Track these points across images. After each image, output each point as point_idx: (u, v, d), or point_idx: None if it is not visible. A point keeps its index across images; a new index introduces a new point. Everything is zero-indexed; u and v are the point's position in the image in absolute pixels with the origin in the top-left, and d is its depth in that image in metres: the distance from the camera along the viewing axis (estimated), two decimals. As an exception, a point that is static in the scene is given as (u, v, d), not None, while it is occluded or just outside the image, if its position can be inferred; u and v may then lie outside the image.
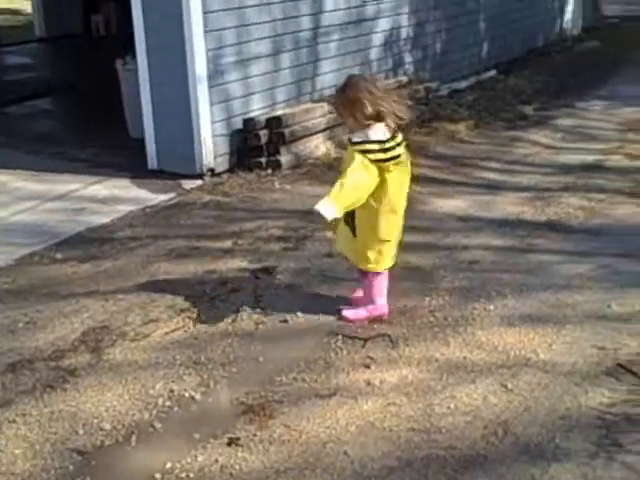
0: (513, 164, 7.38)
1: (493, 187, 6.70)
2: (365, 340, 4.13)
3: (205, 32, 6.63)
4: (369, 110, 3.96)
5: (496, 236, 5.57)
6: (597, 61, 12.62)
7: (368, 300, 4.38)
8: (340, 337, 4.17)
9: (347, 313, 4.39)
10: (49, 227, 5.94)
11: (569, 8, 14.81)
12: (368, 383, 3.74)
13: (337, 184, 3.91)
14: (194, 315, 4.46)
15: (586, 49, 13.76)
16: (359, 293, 4.49)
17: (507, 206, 6.21)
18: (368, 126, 3.99)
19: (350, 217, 4.17)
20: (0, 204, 6.41)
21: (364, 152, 3.96)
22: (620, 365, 3.81)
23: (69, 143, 8.28)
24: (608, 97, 10.13)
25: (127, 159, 7.56)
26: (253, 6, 7.12)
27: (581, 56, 13.13)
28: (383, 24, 9.08)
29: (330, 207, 3.88)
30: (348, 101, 4.04)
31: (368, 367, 3.89)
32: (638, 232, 5.60)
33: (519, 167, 7.28)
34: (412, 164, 4.27)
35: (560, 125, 8.80)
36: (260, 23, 7.24)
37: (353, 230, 4.21)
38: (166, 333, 4.27)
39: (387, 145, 3.99)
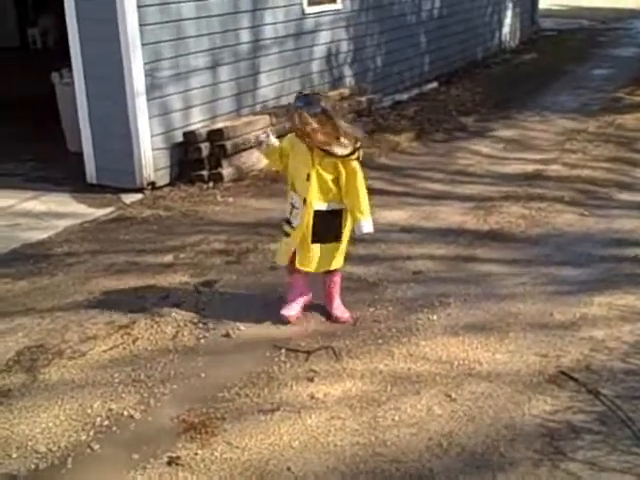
0: (455, 174, 7.42)
1: (436, 197, 6.73)
2: (308, 353, 4.08)
3: (142, 45, 6.54)
4: (340, 124, 4.10)
5: (439, 246, 5.57)
6: (535, 73, 12.83)
7: (335, 296, 4.48)
8: (283, 350, 4.11)
9: (341, 315, 4.45)
10: (-18, 244, 5.76)
11: (507, 21, 15.06)
12: (312, 397, 3.69)
13: (363, 201, 4.20)
14: (134, 331, 4.36)
15: (524, 61, 13.99)
16: (337, 309, 4.50)
17: (450, 216, 6.23)
18: (339, 138, 4.09)
19: (330, 226, 4.26)
20: None
21: (357, 159, 4.17)
22: (562, 372, 3.83)
23: (5, 157, 8.06)
24: (546, 108, 10.29)
25: (65, 173, 7.41)
26: (191, 19, 7.04)
27: (520, 68, 13.34)
28: (323, 37, 9.09)
29: (371, 222, 4.28)
30: (325, 116, 4.05)
31: (312, 380, 3.83)
32: (577, 240, 5.67)
33: (461, 177, 7.32)
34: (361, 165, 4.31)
35: (500, 136, 8.90)
36: (198, 36, 7.16)
37: (337, 235, 4.29)
38: (104, 351, 4.16)
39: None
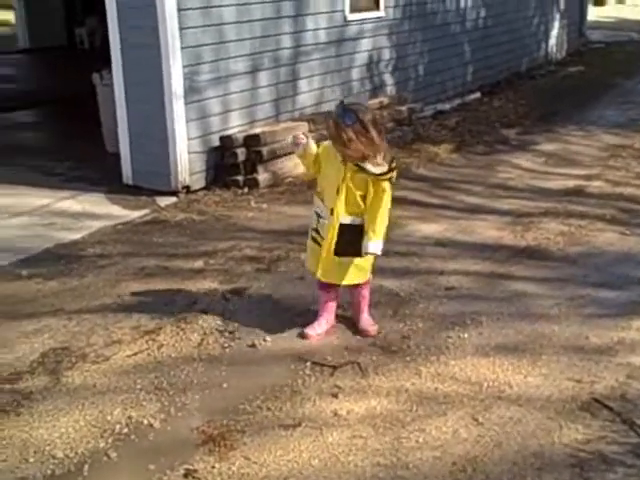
0: (494, 188, 7.28)
1: (473, 211, 6.60)
2: (334, 368, 3.99)
3: (182, 48, 6.52)
4: (379, 139, 3.98)
5: (474, 262, 5.45)
6: (581, 86, 12.61)
7: (364, 310, 4.43)
8: (309, 364, 4.03)
9: (369, 328, 4.37)
10: (16, 242, 5.79)
11: (554, 32, 14.84)
12: (335, 414, 3.60)
13: (379, 223, 4.08)
14: (159, 337, 4.31)
15: (570, 74, 13.77)
16: (365, 323, 4.43)
17: (486, 231, 6.10)
18: (375, 155, 3.97)
19: (353, 241, 4.13)
20: (-32, 218, 6.26)
21: (389, 180, 4.06)
22: (596, 400, 3.69)
23: (46, 156, 8.17)
24: (591, 122, 10.08)
25: (102, 174, 7.45)
26: (231, 23, 7.02)
27: (565, 81, 13.12)
28: (365, 44, 9.01)
29: (380, 244, 4.11)
30: (362, 127, 3.92)
31: (336, 396, 3.74)
32: (617, 260, 5.50)
33: (500, 191, 7.18)
34: (393, 186, 4.18)
35: (543, 149, 8.72)
36: (239, 40, 7.13)
37: (358, 251, 4.16)
38: (128, 356, 4.12)
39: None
